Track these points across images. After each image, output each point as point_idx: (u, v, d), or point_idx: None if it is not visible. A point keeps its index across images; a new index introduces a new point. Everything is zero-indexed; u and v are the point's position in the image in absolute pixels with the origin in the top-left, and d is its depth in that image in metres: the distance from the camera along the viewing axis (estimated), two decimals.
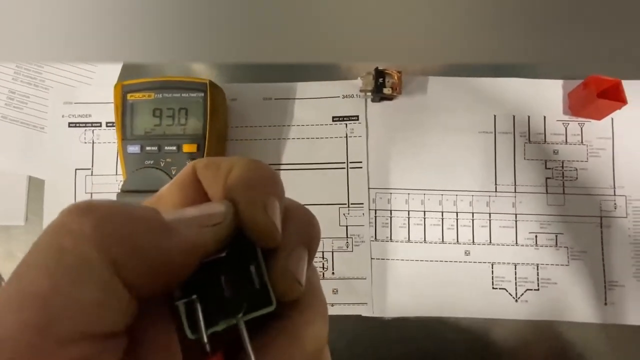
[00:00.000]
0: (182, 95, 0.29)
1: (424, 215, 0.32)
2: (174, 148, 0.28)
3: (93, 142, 0.33)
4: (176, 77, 0.29)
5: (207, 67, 0.35)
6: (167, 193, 0.12)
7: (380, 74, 0.31)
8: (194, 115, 0.28)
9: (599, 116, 0.32)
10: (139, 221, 0.09)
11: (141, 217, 0.10)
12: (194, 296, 0.10)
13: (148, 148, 0.28)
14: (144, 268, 0.09)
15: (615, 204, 0.32)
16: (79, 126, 0.34)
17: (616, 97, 0.29)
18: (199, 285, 0.10)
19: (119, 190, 0.28)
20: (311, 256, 0.12)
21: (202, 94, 0.29)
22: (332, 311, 0.31)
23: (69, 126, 0.34)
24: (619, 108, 0.30)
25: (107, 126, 0.34)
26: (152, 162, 0.28)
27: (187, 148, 0.28)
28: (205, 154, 0.28)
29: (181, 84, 0.29)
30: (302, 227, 0.12)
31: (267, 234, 0.11)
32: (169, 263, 0.10)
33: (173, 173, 0.28)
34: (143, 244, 0.09)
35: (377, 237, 0.32)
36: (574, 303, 0.31)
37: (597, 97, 0.29)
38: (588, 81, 0.30)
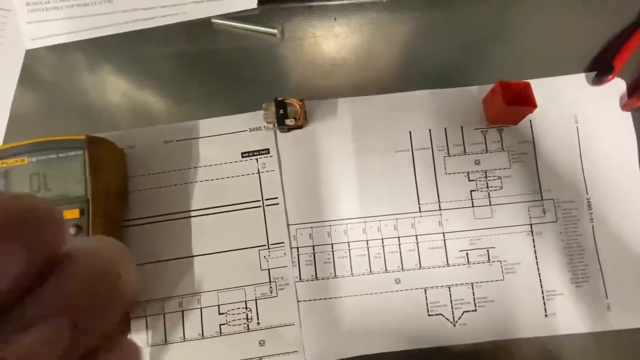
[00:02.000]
0: (59, 155, 0.26)
1: (349, 246, 0.30)
2: None
3: None
4: (49, 137, 0.26)
5: (97, 115, 0.32)
6: None
7: (280, 105, 0.28)
8: (73, 176, 0.26)
9: (515, 121, 0.30)
10: None
11: None
12: None
13: None
14: None
15: (544, 209, 0.31)
16: None
17: (526, 102, 0.28)
18: None
19: None
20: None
21: (81, 152, 0.26)
22: None
23: None
24: (531, 112, 0.29)
25: None
26: None
27: (68, 214, 0.25)
28: (91, 218, 0.25)
29: (57, 144, 0.26)
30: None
31: None
32: None
33: None
34: None
35: (301, 277, 0.30)
36: (514, 319, 0.29)
37: (506, 105, 0.28)
38: (496, 87, 0.29)
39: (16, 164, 0.26)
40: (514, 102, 0.28)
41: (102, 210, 0.26)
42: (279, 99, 0.28)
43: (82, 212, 0.25)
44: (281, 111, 0.28)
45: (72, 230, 0.25)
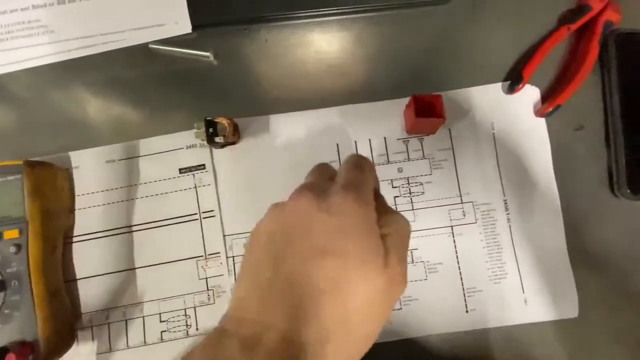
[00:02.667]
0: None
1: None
2: None
3: None
4: None
5: (31, 141, 0.34)
6: None
7: (210, 124, 0.31)
8: (12, 199, 0.28)
9: (431, 131, 0.33)
10: None
11: None
12: None
13: None
14: None
15: (463, 211, 0.33)
16: None
17: (436, 113, 0.30)
18: None
19: None
20: None
21: (19, 176, 0.28)
22: None
23: None
24: (442, 123, 0.31)
25: None
26: None
27: (8, 234, 0.27)
28: (29, 237, 0.27)
29: None
30: None
31: None
32: None
33: None
34: None
35: None
36: (437, 316, 0.32)
37: (416, 117, 0.30)
38: (410, 101, 0.31)
39: None
40: (425, 114, 0.30)
41: (41, 230, 0.28)
42: (208, 118, 0.30)
43: (20, 232, 0.27)
44: (210, 130, 0.30)
45: (12, 249, 0.27)
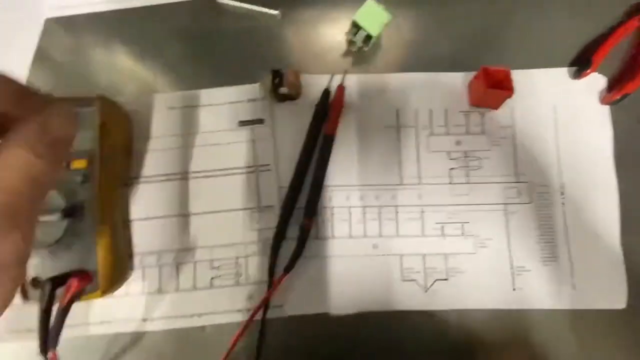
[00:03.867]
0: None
1: (332, 211, 0.32)
2: (63, 164, 0.28)
3: None
4: (65, 96, 0.28)
5: (110, 80, 0.34)
6: None
7: (276, 75, 0.31)
8: (83, 131, 0.28)
9: (496, 105, 0.32)
10: None
11: None
12: None
13: None
14: None
15: (518, 190, 0.33)
16: None
17: (505, 87, 0.30)
18: None
19: None
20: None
21: (93, 109, 0.28)
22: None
23: None
24: (509, 97, 0.31)
25: None
26: None
27: (77, 164, 0.28)
28: (97, 169, 0.28)
29: (70, 101, 0.28)
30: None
31: None
32: None
33: (64, 191, 0.27)
34: None
35: (287, 237, 0.32)
36: (483, 290, 0.32)
37: (487, 88, 0.30)
38: (479, 73, 0.31)
39: None
40: (494, 86, 0.30)
41: (107, 164, 0.28)
42: (275, 69, 0.31)
43: (88, 163, 0.28)
44: (276, 80, 0.30)
45: (78, 179, 0.28)
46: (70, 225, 0.27)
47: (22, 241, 0.15)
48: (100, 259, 0.27)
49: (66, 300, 0.26)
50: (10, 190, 0.14)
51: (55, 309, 0.25)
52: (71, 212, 0.27)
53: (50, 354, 0.26)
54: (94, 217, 0.28)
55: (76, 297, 0.26)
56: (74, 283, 0.26)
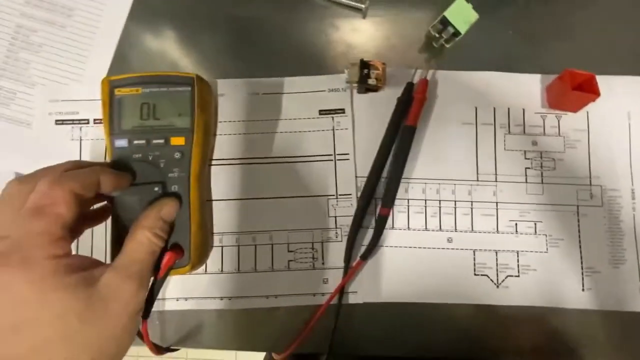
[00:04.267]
0: (170, 89, 0.29)
1: (408, 203, 0.33)
2: (162, 141, 0.28)
3: (80, 139, 0.34)
4: (163, 72, 0.29)
5: (194, 63, 0.35)
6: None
7: (365, 65, 0.31)
8: (181, 109, 0.29)
9: (575, 108, 0.33)
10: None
11: None
12: None
13: (136, 142, 0.28)
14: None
15: (591, 193, 0.33)
16: (66, 123, 0.34)
17: (590, 90, 0.31)
18: None
19: None
20: None
21: (189, 88, 0.29)
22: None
23: (56, 124, 0.34)
24: (593, 100, 0.31)
25: (94, 123, 0.34)
26: (140, 155, 0.28)
27: (175, 141, 0.28)
28: (193, 147, 0.29)
29: (168, 79, 0.29)
30: None
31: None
32: None
33: (162, 166, 0.28)
34: None
35: (364, 226, 0.33)
36: (553, 289, 0.32)
37: (571, 90, 0.30)
38: (564, 74, 0.31)
39: (130, 93, 0.29)
40: (578, 88, 0.30)
41: (202, 142, 0.29)
42: (364, 59, 0.31)
43: (186, 141, 0.29)
44: (365, 71, 0.31)
45: (177, 155, 0.28)
46: None
47: (143, 295, 0.23)
48: (193, 234, 0.28)
49: (162, 273, 0.27)
50: (139, 260, 0.23)
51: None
52: (169, 185, 0.28)
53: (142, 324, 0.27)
54: (188, 193, 0.28)
55: (168, 271, 0.27)
56: (169, 256, 0.27)
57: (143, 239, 0.24)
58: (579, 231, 0.33)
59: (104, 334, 0.21)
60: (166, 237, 0.26)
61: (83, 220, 0.26)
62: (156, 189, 0.28)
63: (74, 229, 0.22)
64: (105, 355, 0.21)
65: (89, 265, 0.22)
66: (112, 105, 0.29)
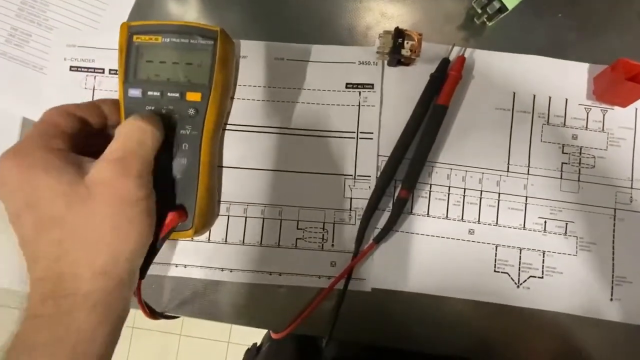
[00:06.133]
0: (191, 41, 0.27)
1: (430, 188, 0.31)
2: (177, 95, 0.27)
3: (94, 89, 0.32)
4: (186, 22, 0.27)
5: (217, 21, 0.33)
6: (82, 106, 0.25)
7: (400, 34, 0.29)
8: (201, 63, 0.27)
9: (625, 102, 0.30)
10: None
11: None
12: None
13: (150, 93, 0.27)
14: None
15: (631, 197, 0.31)
16: (81, 71, 0.32)
17: None
18: None
19: None
20: None
21: (212, 42, 0.27)
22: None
23: (70, 70, 0.32)
24: None
25: (110, 73, 0.32)
26: (153, 107, 0.26)
27: (191, 96, 0.27)
28: (208, 105, 0.27)
29: (191, 30, 0.27)
30: None
31: None
32: None
33: (174, 121, 0.26)
34: None
35: (379, 209, 0.31)
36: (579, 295, 0.30)
37: (625, 80, 0.28)
38: (617, 64, 0.28)
39: (150, 41, 0.27)
40: (633, 80, 0.28)
41: (219, 101, 0.28)
42: (399, 27, 0.29)
43: (202, 97, 0.27)
44: (399, 40, 0.29)
45: (191, 112, 0.27)
46: (176, 155, 0.27)
47: (133, 183, 0.22)
48: (199, 197, 0.27)
49: (163, 233, 0.25)
50: (123, 147, 0.23)
51: None
52: (179, 142, 0.27)
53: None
54: (199, 154, 0.27)
55: (170, 232, 0.26)
56: (172, 217, 0.25)
57: (132, 127, 0.23)
58: (613, 236, 0.30)
59: (94, 219, 0.21)
60: (159, 134, 0.24)
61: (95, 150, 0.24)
62: (166, 144, 0.26)
63: (77, 145, 0.24)
64: (104, 244, 0.21)
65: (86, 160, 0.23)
66: (129, 52, 0.27)
